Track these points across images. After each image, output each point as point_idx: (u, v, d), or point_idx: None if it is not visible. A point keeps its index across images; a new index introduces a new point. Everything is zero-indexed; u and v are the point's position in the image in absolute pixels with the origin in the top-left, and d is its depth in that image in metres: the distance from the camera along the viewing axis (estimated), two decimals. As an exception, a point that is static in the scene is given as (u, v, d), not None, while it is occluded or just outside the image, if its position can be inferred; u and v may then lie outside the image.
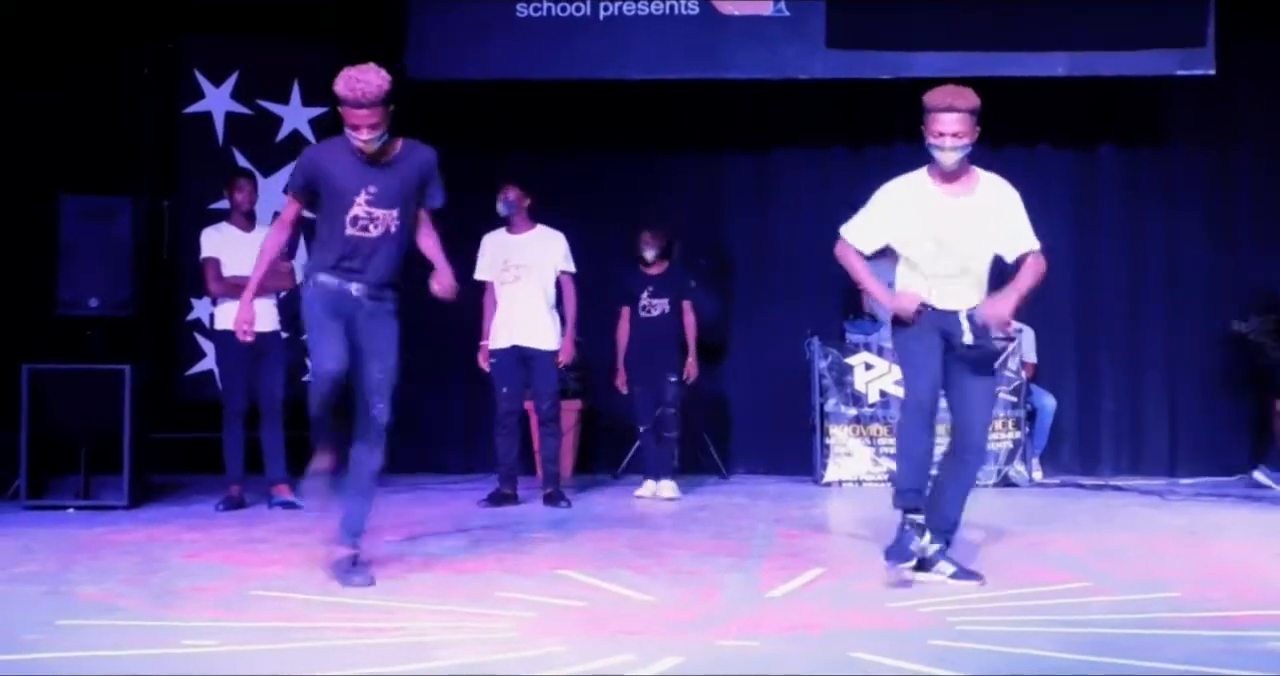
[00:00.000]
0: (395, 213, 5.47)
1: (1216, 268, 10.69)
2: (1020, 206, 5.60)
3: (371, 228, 5.45)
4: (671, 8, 9.87)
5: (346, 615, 4.72)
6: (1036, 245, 5.58)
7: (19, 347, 8.64)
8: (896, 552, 5.33)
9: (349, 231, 5.45)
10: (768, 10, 9.87)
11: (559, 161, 10.65)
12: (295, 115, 10.30)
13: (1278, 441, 9.81)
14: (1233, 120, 10.70)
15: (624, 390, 9.18)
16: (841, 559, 6.26)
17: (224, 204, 10.02)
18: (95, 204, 8.58)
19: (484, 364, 8.52)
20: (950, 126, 5.48)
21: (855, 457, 9.80)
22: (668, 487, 8.86)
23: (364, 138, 5.35)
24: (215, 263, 8.25)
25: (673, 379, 8.95)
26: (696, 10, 9.87)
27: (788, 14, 9.85)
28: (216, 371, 8.45)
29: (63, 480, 8.14)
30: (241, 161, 10.12)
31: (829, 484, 9.73)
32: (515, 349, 8.44)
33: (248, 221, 8.39)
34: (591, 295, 9.16)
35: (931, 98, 5.58)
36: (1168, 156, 10.84)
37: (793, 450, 10.19)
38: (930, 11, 9.71)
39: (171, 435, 9.63)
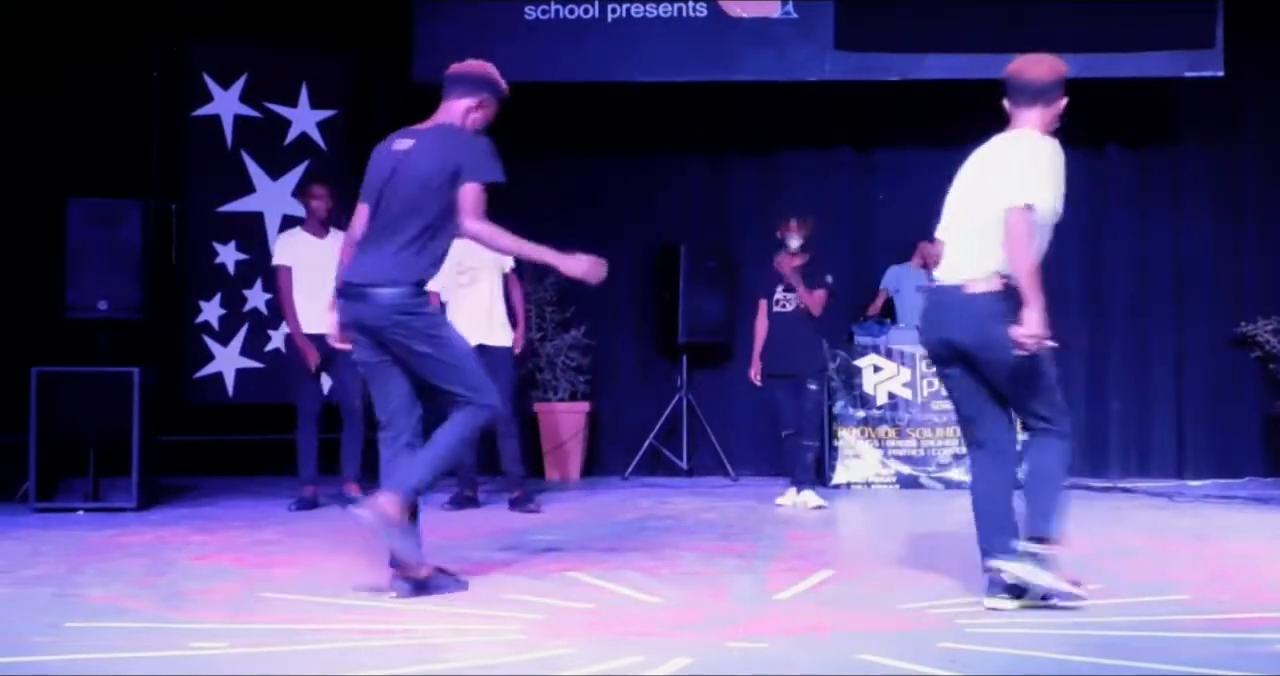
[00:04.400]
0: None
1: (1224, 268, 10.69)
2: (1022, 157, 4.98)
3: None
4: (679, 10, 9.89)
5: (355, 617, 4.72)
6: (1017, 201, 4.86)
7: (28, 350, 8.65)
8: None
9: None
10: (776, 12, 9.88)
11: (566, 164, 10.67)
12: (304, 118, 10.31)
13: None
14: (1241, 121, 10.70)
15: (756, 382, 8.87)
16: (850, 561, 6.26)
17: (237, 206, 10.08)
18: (103, 207, 8.58)
19: None
20: None
21: (864, 460, 9.80)
22: (811, 497, 8.53)
23: None
24: (287, 272, 8.31)
25: (813, 385, 8.62)
26: (704, 12, 9.89)
27: (796, 16, 9.87)
28: (291, 372, 8.43)
29: (71, 482, 8.16)
30: (250, 164, 10.13)
31: (837, 486, 9.72)
32: (477, 348, 8.32)
33: (322, 228, 8.41)
34: (601, 295, 9.14)
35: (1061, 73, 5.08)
36: (1176, 157, 10.83)
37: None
38: (939, 13, 9.72)
39: (180, 437, 9.65)
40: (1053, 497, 4.95)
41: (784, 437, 8.76)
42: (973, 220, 5.03)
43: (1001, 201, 4.89)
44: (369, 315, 5.19)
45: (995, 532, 4.95)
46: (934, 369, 5.24)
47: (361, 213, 5.40)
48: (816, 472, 9.04)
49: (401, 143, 5.32)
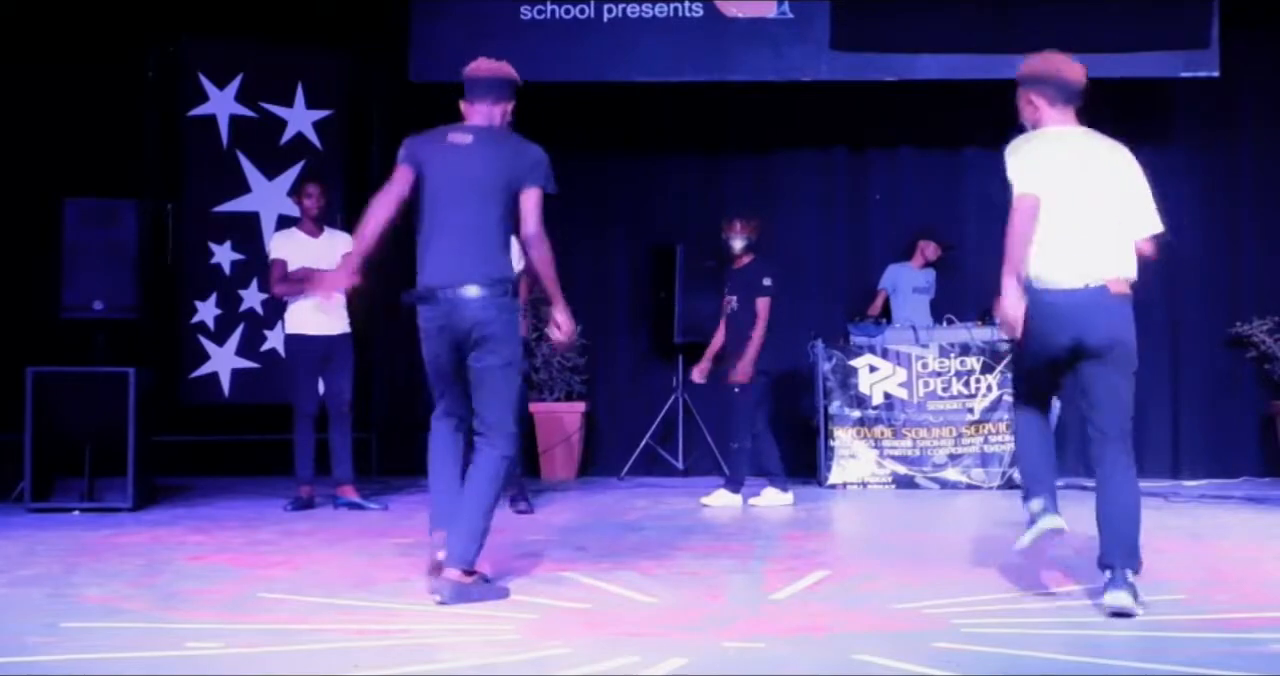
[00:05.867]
0: None
1: (1220, 268, 10.70)
2: (1138, 175, 5.12)
3: None
4: (675, 10, 9.90)
5: (351, 617, 4.72)
6: (1157, 228, 5.13)
7: (24, 350, 8.65)
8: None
9: None
10: (771, 12, 9.89)
11: (563, 164, 10.59)
12: (299, 118, 10.30)
13: None
14: (1237, 121, 10.71)
15: (697, 379, 8.98)
16: (846, 561, 6.26)
17: (230, 207, 10.09)
18: (99, 207, 8.58)
19: None
20: None
21: (859, 460, 9.80)
22: (718, 495, 8.58)
23: None
24: (281, 263, 8.33)
25: (736, 388, 8.54)
26: (700, 12, 9.90)
27: (791, 16, 9.88)
28: (288, 373, 8.46)
29: (67, 482, 8.15)
30: (246, 164, 10.13)
31: (833, 486, 9.73)
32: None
33: (316, 227, 8.44)
34: (597, 295, 9.13)
35: None
36: (1172, 157, 10.82)
37: (797, 452, 10.19)
38: (934, 14, 9.73)
39: (175, 438, 9.65)
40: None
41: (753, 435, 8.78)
42: (1102, 225, 4.96)
43: (1143, 225, 5.02)
44: (471, 320, 5.16)
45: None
46: (1039, 366, 5.06)
47: (397, 193, 5.25)
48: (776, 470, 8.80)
49: (459, 137, 5.27)
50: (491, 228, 5.20)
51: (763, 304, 8.53)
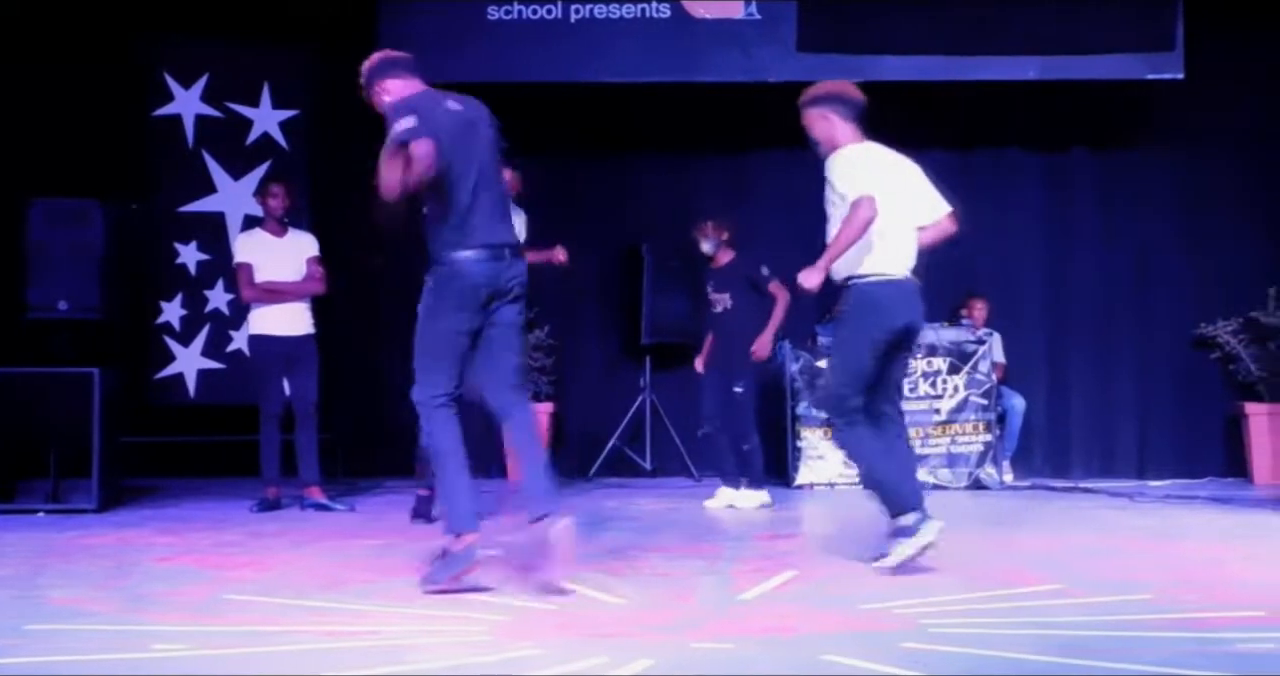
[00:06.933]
0: None
1: (1186, 269, 10.76)
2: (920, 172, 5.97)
3: None
4: (643, 10, 9.90)
5: (319, 618, 4.70)
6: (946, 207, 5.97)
7: (-13, 351, 8.60)
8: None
9: None
10: (739, 13, 9.91)
11: (532, 165, 10.60)
12: (266, 118, 10.27)
13: None
14: (1203, 123, 10.76)
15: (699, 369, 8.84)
16: (814, 561, 6.26)
17: (196, 207, 10.04)
18: (65, 207, 8.53)
19: None
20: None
21: (827, 460, 9.82)
22: (746, 497, 8.55)
23: None
24: (248, 267, 8.31)
25: (738, 388, 8.48)
26: (668, 13, 9.91)
27: (759, 17, 9.90)
28: (253, 374, 8.45)
29: (31, 484, 8.11)
30: (211, 164, 10.09)
31: (801, 487, 9.75)
32: None
33: (280, 227, 8.44)
34: (565, 296, 9.10)
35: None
36: (1139, 159, 10.90)
37: (765, 453, 10.18)
38: (901, 15, 9.75)
39: (141, 439, 9.60)
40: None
41: (700, 436, 8.87)
42: (908, 222, 5.80)
43: (936, 208, 5.91)
44: (515, 278, 5.33)
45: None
46: (878, 354, 5.73)
47: (428, 149, 5.09)
48: (765, 470, 8.88)
49: (454, 104, 5.35)
50: (505, 188, 5.57)
51: (775, 286, 8.45)
